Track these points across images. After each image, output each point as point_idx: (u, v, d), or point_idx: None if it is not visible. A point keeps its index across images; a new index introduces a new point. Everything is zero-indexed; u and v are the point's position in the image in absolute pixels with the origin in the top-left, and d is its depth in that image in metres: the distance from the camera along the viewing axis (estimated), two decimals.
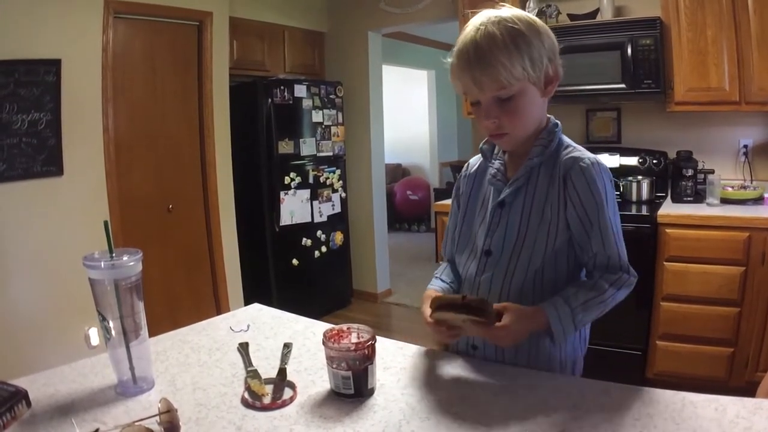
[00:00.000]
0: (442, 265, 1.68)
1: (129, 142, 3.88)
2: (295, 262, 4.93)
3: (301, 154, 4.90)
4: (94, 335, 3.60)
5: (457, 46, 1.31)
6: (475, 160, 1.60)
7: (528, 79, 1.29)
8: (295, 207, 4.88)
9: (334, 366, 1.23)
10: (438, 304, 1.30)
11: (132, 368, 1.29)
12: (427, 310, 1.35)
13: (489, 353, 1.45)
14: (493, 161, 1.51)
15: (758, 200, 3.45)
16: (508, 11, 1.31)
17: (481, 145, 1.55)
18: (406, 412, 1.18)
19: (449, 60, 1.35)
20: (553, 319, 1.28)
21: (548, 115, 1.44)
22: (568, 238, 1.37)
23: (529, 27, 1.29)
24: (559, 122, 1.44)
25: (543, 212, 1.37)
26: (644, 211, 3.52)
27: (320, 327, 1.69)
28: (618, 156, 3.99)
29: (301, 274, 4.99)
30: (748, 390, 1.44)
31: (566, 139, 1.44)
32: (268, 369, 1.40)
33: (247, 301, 3.61)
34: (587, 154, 1.38)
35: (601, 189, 1.34)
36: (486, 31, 1.26)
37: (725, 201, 3.47)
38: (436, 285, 1.58)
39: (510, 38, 1.26)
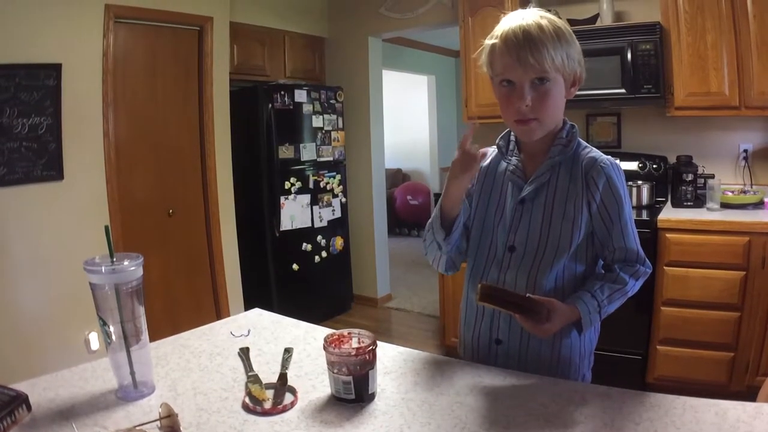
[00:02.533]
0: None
1: (129, 147, 3.88)
2: (295, 267, 4.93)
3: (302, 159, 4.90)
4: (94, 340, 3.59)
5: (501, 31, 1.36)
6: (489, 153, 1.61)
7: (563, 72, 1.36)
8: (295, 212, 4.88)
9: (335, 371, 1.23)
10: (487, 293, 1.32)
11: (133, 373, 1.29)
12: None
13: (513, 347, 1.48)
14: (509, 157, 1.54)
15: (758, 205, 3.45)
16: (545, 12, 1.38)
17: (497, 140, 1.57)
18: (407, 417, 1.18)
19: (488, 42, 1.40)
20: (584, 315, 1.37)
21: (563, 118, 1.49)
22: (589, 233, 1.45)
23: (568, 31, 1.38)
24: (575, 125, 1.49)
25: (565, 209, 1.43)
26: (644, 215, 3.51)
27: (321, 332, 1.69)
28: (618, 161, 3.96)
29: (301, 279, 4.98)
30: (749, 394, 1.44)
31: (582, 141, 1.50)
32: (268, 374, 1.40)
33: (248, 306, 3.61)
34: (604, 155, 1.46)
35: (621, 188, 1.43)
36: (534, 21, 1.33)
37: (725, 206, 3.47)
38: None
39: (555, 31, 1.34)
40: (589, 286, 1.42)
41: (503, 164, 1.55)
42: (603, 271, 1.50)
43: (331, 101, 5.16)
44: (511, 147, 1.55)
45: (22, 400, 1.19)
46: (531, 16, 1.35)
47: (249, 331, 1.74)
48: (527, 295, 1.34)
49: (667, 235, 3.28)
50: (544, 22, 1.34)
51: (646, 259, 1.47)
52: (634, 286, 1.45)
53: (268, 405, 1.24)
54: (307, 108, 4.92)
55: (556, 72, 1.35)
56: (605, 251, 1.46)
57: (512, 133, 1.54)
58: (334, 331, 1.36)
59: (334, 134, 5.19)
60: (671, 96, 3.52)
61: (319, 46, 5.61)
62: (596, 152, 1.47)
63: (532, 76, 1.34)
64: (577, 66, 1.40)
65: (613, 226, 1.42)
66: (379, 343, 1.31)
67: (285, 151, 4.76)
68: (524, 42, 1.31)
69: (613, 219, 1.42)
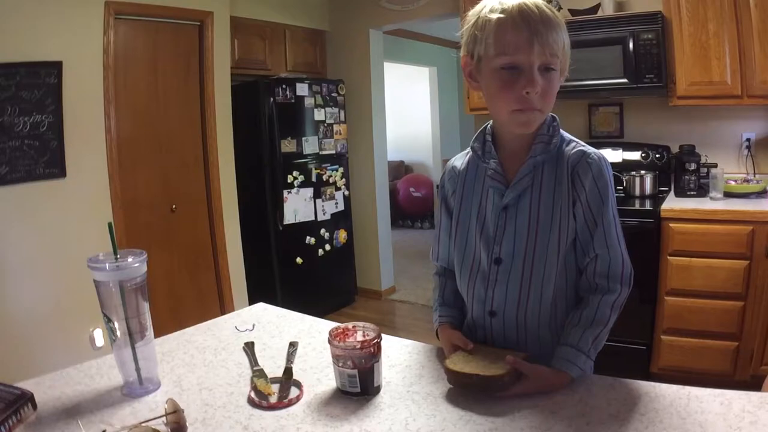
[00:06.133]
0: (438, 280, 1.60)
1: (131, 143, 3.88)
2: (299, 260, 4.93)
3: (304, 153, 4.90)
4: (99, 336, 3.60)
5: (511, 3, 1.21)
6: (461, 161, 1.50)
7: (563, 61, 1.25)
8: (298, 205, 4.88)
9: (340, 364, 1.23)
10: (454, 380, 1.25)
11: (138, 369, 1.30)
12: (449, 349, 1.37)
13: (509, 319, 1.38)
14: (486, 160, 1.40)
15: (761, 194, 3.44)
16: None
17: (471, 143, 1.44)
18: (412, 409, 1.18)
19: (492, 16, 1.22)
20: (576, 374, 1.25)
21: None
22: (573, 239, 1.33)
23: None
24: (556, 116, 1.37)
25: (552, 212, 1.31)
26: (648, 205, 3.51)
27: (325, 325, 1.69)
28: (621, 151, 3.98)
29: (305, 273, 4.99)
30: (753, 383, 1.44)
31: (566, 134, 1.38)
32: (273, 368, 1.41)
33: (252, 301, 3.62)
34: (592, 149, 1.34)
35: (608, 186, 1.30)
36: (538, 3, 1.21)
37: (728, 195, 3.46)
38: (446, 315, 1.51)
39: (557, 15, 1.23)
40: (570, 336, 1.29)
41: (482, 168, 1.42)
42: (582, 295, 1.36)
43: (333, 94, 5.15)
44: (486, 148, 1.41)
45: (27, 398, 1.19)
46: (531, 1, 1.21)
47: (254, 326, 1.74)
48: (477, 373, 1.21)
49: (671, 224, 3.27)
50: (545, 5, 1.22)
51: (631, 273, 1.33)
52: (615, 317, 1.31)
53: (273, 399, 1.24)
54: (308, 101, 4.91)
55: (560, 60, 1.24)
56: (586, 259, 1.32)
57: (487, 132, 1.42)
58: (338, 324, 1.35)
59: (336, 127, 5.18)
60: (673, 85, 3.51)
61: (320, 40, 5.60)
62: (584, 146, 1.34)
63: (543, 59, 1.20)
64: (568, 58, 1.28)
65: (596, 228, 1.29)
66: (383, 335, 1.31)
67: (287, 145, 4.76)
68: (541, 20, 1.18)
69: (597, 219, 1.29)
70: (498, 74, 1.24)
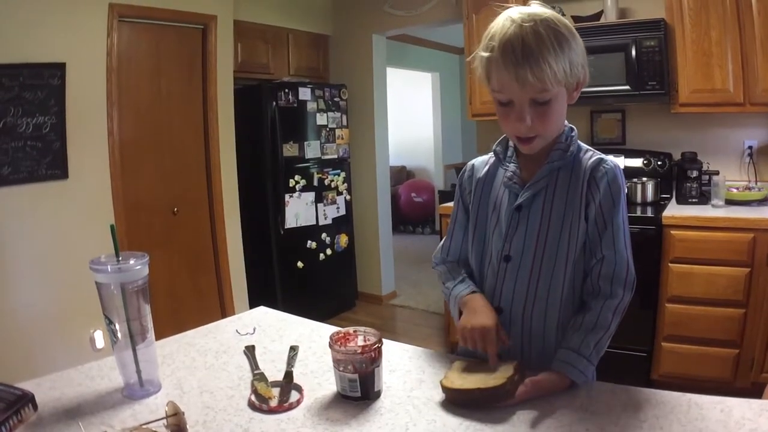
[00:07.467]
0: (449, 266, 1.57)
1: (134, 146, 3.89)
2: (300, 264, 4.93)
3: (306, 157, 4.91)
4: (100, 338, 3.61)
5: (498, 40, 1.23)
6: (481, 162, 1.54)
7: (565, 83, 1.25)
8: (299, 210, 4.88)
9: (341, 369, 1.24)
10: (455, 399, 1.23)
11: (139, 371, 1.30)
12: (478, 320, 1.34)
13: (515, 316, 1.40)
14: (507, 164, 1.46)
15: (763, 201, 3.44)
16: (543, 9, 1.26)
17: (494, 146, 1.50)
18: (412, 414, 1.18)
19: (483, 54, 1.27)
20: (578, 378, 1.26)
21: None
22: (584, 242, 1.36)
23: (569, 30, 1.25)
24: (574, 127, 1.42)
25: (564, 217, 1.35)
26: (649, 212, 3.51)
27: (326, 330, 1.70)
28: (623, 157, 3.98)
29: (306, 277, 4.99)
30: (754, 391, 1.44)
31: (583, 144, 1.43)
32: (274, 372, 1.41)
33: (253, 304, 3.61)
34: (610, 158, 1.39)
35: (621, 193, 1.34)
36: (532, 29, 1.20)
37: (730, 202, 3.46)
38: (474, 286, 1.47)
39: (556, 39, 1.21)
40: (572, 340, 1.30)
41: (501, 171, 1.47)
42: (584, 300, 1.38)
43: (336, 99, 5.16)
44: (509, 153, 1.47)
45: (28, 399, 1.19)
46: (528, 19, 1.21)
47: (254, 329, 1.74)
48: (479, 387, 1.21)
49: (672, 231, 3.27)
50: (542, 28, 1.20)
51: (635, 279, 1.36)
52: (617, 322, 1.34)
53: (274, 403, 1.24)
54: (311, 106, 4.92)
55: (557, 85, 1.23)
56: (592, 260, 1.35)
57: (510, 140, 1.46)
58: (339, 329, 1.36)
59: (338, 132, 5.19)
60: (676, 93, 3.51)
61: (323, 44, 5.61)
62: (601, 155, 1.39)
63: (531, 94, 1.24)
64: (581, 70, 1.28)
65: (605, 230, 1.33)
66: (384, 340, 1.32)
67: (289, 149, 4.76)
68: (523, 58, 1.19)
69: (606, 222, 1.33)
70: (497, 104, 1.32)
